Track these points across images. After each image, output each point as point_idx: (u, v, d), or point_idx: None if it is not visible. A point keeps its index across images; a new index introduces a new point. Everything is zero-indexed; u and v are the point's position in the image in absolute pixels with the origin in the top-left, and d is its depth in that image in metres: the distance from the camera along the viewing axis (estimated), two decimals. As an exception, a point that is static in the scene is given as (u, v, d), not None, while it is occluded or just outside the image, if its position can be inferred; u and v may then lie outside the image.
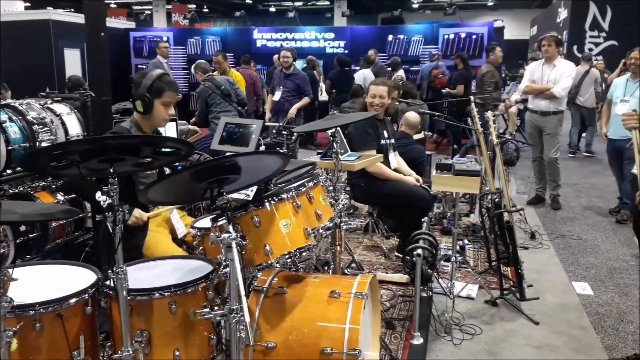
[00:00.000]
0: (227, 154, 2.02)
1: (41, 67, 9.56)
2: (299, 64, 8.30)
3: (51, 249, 3.16)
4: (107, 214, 1.57)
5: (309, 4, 22.80)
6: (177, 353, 1.85)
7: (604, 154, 7.66)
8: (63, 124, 3.45)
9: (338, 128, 2.74)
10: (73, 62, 10.08)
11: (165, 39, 11.93)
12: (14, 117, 3.15)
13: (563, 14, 13.32)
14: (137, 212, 2.35)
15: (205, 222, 2.43)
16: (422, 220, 3.46)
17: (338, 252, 2.62)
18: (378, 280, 3.38)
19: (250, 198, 2.21)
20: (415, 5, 22.54)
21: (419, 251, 2.72)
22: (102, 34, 3.60)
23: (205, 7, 23.36)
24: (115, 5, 21.44)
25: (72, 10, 15.45)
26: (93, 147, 1.57)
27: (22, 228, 2.98)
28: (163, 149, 1.70)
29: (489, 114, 3.55)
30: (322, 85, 9.28)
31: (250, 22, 15.61)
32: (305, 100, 6.54)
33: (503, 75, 12.32)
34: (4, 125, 3.05)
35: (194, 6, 21.62)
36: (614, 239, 4.56)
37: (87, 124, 3.72)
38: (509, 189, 4.15)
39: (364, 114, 3.44)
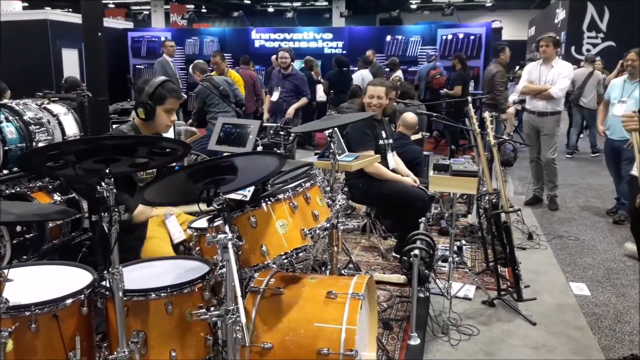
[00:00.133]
0: (225, 154, 2.01)
1: (39, 67, 9.55)
2: (297, 65, 8.30)
3: (48, 250, 3.15)
4: (102, 214, 1.57)
5: (307, 5, 22.80)
6: (173, 354, 1.85)
7: (601, 154, 7.69)
8: (60, 124, 3.44)
9: (335, 128, 2.74)
10: (71, 62, 10.08)
11: (163, 39, 11.93)
12: (10, 117, 3.14)
13: (561, 14, 13.34)
14: (140, 207, 2.34)
15: (202, 222, 2.43)
16: (420, 220, 3.46)
17: (335, 252, 2.62)
18: (375, 280, 3.38)
19: (247, 198, 2.21)
20: (414, 6, 22.57)
21: (416, 252, 2.72)
22: (100, 34, 3.59)
23: (203, 7, 23.37)
24: (113, 6, 21.42)
25: (70, 10, 15.43)
26: (89, 148, 1.57)
27: (19, 228, 2.97)
28: (159, 150, 1.70)
29: (487, 114, 3.55)
30: (321, 80, 9.28)
31: (248, 22, 15.60)
32: (303, 100, 6.53)
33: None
34: (0, 125, 3.04)
35: (192, 6, 21.62)
36: (611, 240, 4.56)
37: (84, 125, 3.71)
38: (507, 189, 4.16)
39: (361, 115, 3.45)
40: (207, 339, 1.93)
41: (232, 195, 2.22)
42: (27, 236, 3.00)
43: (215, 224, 1.98)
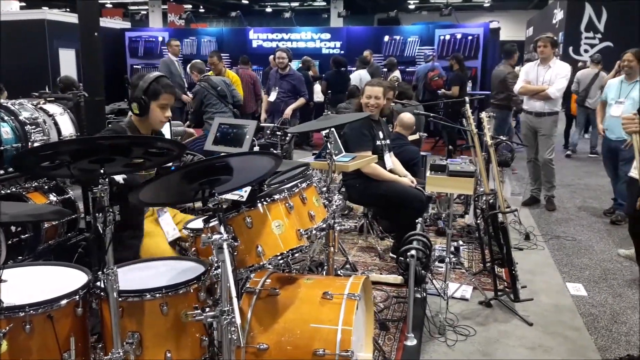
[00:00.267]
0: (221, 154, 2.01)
1: (36, 67, 9.54)
2: (295, 65, 8.30)
3: (43, 250, 3.14)
4: (97, 214, 1.56)
5: (305, 5, 22.80)
6: (168, 355, 1.84)
7: (598, 155, 7.70)
8: (56, 124, 3.44)
9: (332, 129, 2.73)
10: (68, 62, 10.06)
11: (160, 39, 11.92)
12: (6, 117, 3.13)
13: (559, 15, 13.36)
14: None
15: (198, 223, 2.42)
16: (417, 221, 3.46)
17: (332, 253, 2.62)
18: (372, 281, 3.38)
19: (244, 199, 2.21)
20: (412, 6, 22.58)
21: (413, 252, 2.72)
22: (96, 34, 3.58)
23: (201, 7, 23.34)
24: (110, 5, 21.39)
25: (68, 10, 15.40)
26: (83, 148, 1.56)
27: (14, 229, 2.96)
28: (154, 150, 1.69)
29: (484, 114, 3.55)
30: (317, 86, 9.27)
31: (246, 22, 15.59)
32: (301, 101, 6.53)
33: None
34: (-4, 125, 3.04)
35: (189, 6, 21.59)
36: (608, 240, 4.57)
37: (81, 125, 3.71)
38: (504, 190, 4.16)
39: (358, 115, 3.44)
40: (203, 340, 1.93)
41: (229, 196, 2.21)
42: (22, 237, 2.99)
43: (211, 224, 1.97)
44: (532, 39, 12.50)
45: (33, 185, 3.25)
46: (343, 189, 4.02)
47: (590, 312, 3.25)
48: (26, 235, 2.99)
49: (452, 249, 3.87)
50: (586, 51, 11.96)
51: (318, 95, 9.28)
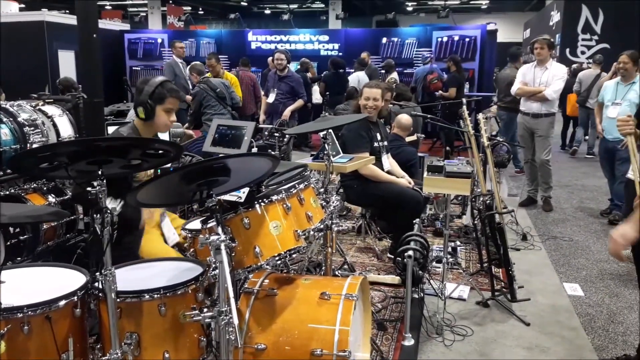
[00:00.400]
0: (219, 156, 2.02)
1: (35, 69, 9.53)
2: (293, 66, 8.31)
3: (42, 251, 3.14)
4: (95, 215, 1.57)
5: (303, 7, 22.81)
6: (166, 355, 1.85)
7: (595, 156, 7.71)
8: (55, 125, 3.44)
9: (330, 130, 2.75)
10: (67, 64, 10.06)
11: (160, 40, 11.94)
12: (4, 119, 3.13)
13: (556, 17, 13.39)
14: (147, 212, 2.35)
15: (196, 224, 2.44)
16: (414, 221, 3.47)
17: (329, 253, 2.63)
18: (370, 281, 3.39)
19: (242, 200, 2.22)
20: (409, 8, 22.61)
21: (410, 252, 2.73)
22: (95, 35, 3.59)
23: (200, 9, 23.36)
24: (110, 7, 21.40)
25: (67, 11, 15.41)
26: (81, 149, 1.57)
27: (13, 230, 2.96)
28: (151, 151, 1.70)
29: (480, 116, 3.57)
30: (316, 88, 9.28)
31: (245, 24, 15.61)
32: (300, 102, 6.54)
33: (495, 77, 12.34)
34: (-6, 127, 3.04)
35: (188, 8, 21.61)
36: (604, 240, 4.58)
37: (79, 126, 3.71)
38: (501, 190, 4.17)
39: (355, 116, 3.46)
40: (201, 340, 1.94)
41: (227, 197, 2.23)
42: (21, 238, 2.99)
43: (209, 225, 1.98)
44: (529, 41, 12.52)
45: (32, 186, 3.26)
46: (341, 190, 4.03)
47: (587, 312, 3.27)
48: (25, 236, 3.00)
49: (450, 249, 3.89)
50: (583, 53, 12.00)
51: (317, 97, 9.30)
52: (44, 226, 3.11)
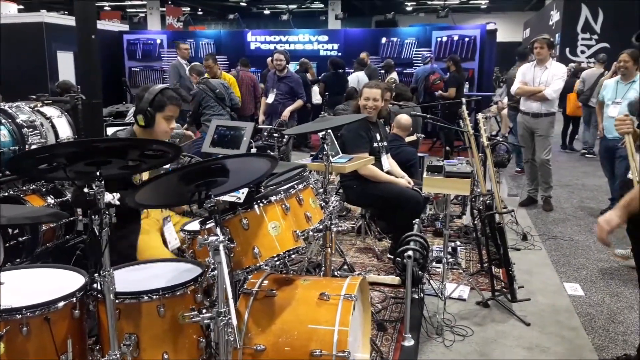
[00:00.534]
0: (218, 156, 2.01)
1: (34, 70, 9.53)
2: (292, 67, 8.31)
3: (42, 253, 3.15)
4: (93, 217, 1.57)
5: (303, 7, 22.83)
6: (165, 356, 1.84)
7: (594, 156, 7.70)
8: (53, 127, 3.44)
9: (329, 130, 2.74)
10: (66, 65, 10.06)
11: (159, 41, 11.93)
12: (3, 120, 3.13)
13: (555, 16, 13.40)
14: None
15: (194, 225, 2.43)
16: (414, 222, 3.47)
17: (329, 254, 2.63)
18: (370, 282, 3.39)
19: (241, 200, 2.21)
20: (409, 8, 22.62)
21: (410, 253, 2.73)
22: (93, 36, 3.59)
23: (199, 9, 23.36)
24: (109, 8, 21.39)
25: (66, 13, 15.41)
26: (79, 150, 1.57)
27: (12, 231, 2.96)
28: (150, 152, 1.70)
29: (480, 116, 3.57)
30: (316, 88, 9.28)
31: (244, 24, 15.61)
32: (299, 102, 6.54)
33: (494, 77, 12.36)
34: (-7, 128, 3.04)
35: (187, 9, 21.61)
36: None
37: (78, 127, 3.71)
38: (501, 190, 4.17)
39: (354, 116, 3.45)
40: (200, 341, 1.93)
41: (226, 198, 2.22)
42: (20, 239, 2.99)
43: (207, 226, 1.98)
44: (528, 41, 12.54)
45: (31, 187, 3.26)
46: (341, 191, 4.03)
47: (587, 312, 3.26)
48: (24, 237, 3.00)
49: (450, 249, 3.88)
50: (583, 52, 12.01)
51: (316, 97, 9.29)
52: (43, 227, 3.11)
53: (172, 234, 2.62)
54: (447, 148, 6.35)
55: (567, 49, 12.26)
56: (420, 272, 2.88)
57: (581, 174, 7.40)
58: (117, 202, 1.62)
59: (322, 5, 21.80)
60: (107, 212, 1.59)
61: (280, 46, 10.96)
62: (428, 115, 5.44)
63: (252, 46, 11.41)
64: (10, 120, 3.17)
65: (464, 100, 4.01)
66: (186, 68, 7.73)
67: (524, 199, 5.64)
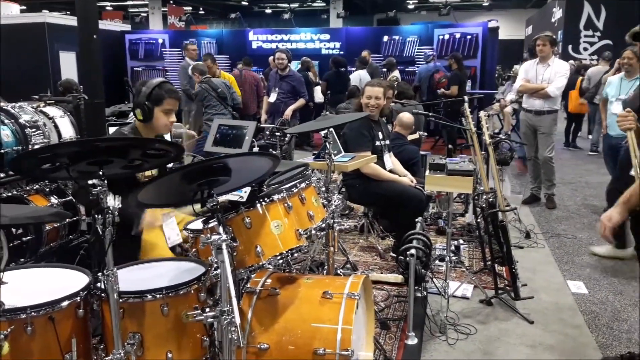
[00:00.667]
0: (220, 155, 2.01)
1: (36, 70, 9.55)
2: (294, 66, 8.30)
3: (45, 252, 3.16)
4: (96, 216, 1.57)
5: (304, 6, 22.81)
6: (169, 355, 1.85)
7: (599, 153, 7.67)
8: (56, 127, 3.45)
9: (331, 129, 2.74)
10: (68, 65, 10.07)
11: (160, 41, 11.94)
12: (6, 121, 3.14)
13: (558, 13, 13.36)
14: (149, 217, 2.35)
15: (198, 224, 2.43)
16: (417, 220, 3.46)
17: (332, 252, 2.63)
18: (373, 280, 3.39)
19: (244, 199, 2.21)
20: (411, 6, 22.59)
21: (413, 251, 2.72)
22: (95, 36, 3.59)
23: (201, 9, 23.37)
24: (111, 8, 21.43)
25: (68, 13, 15.43)
26: (81, 150, 1.57)
27: (16, 231, 2.97)
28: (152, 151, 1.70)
29: (482, 113, 3.56)
30: (318, 85, 9.28)
31: (245, 23, 15.61)
32: (301, 101, 6.54)
33: (497, 74, 12.33)
34: (-4, 128, 3.05)
35: (189, 8, 21.62)
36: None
37: (81, 127, 3.72)
38: (503, 188, 4.16)
39: (356, 115, 3.45)
40: (204, 340, 1.93)
41: (229, 196, 2.22)
42: (24, 239, 3.00)
43: (210, 225, 1.98)
44: (531, 38, 12.50)
45: (34, 187, 3.27)
46: (343, 189, 4.03)
47: (591, 310, 3.26)
48: (28, 237, 3.01)
49: (453, 247, 3.88)
50: (585, 49, 11.97)
51: (318, 96, 9.28)
52: (47, 227, 3.12)
53: (174, 230, 2.63)
54: (450, 146, 6.34)
55: (570, 46, 12.22)
56: (423, 271, 2.87)
57: (584, 172, 7.37)
58: (118, 206, 1.63)
59: (323, 4, 21.78)
60: (110, 212, 1.60)
61: (282, 45, 10.95)
62: (430, 114, 5.42)
63: (254, 45, 11.41)
64: (13, 121, 3.18)
65: (466, 98, 4.00)
66: None
67: (527, 197, 5.63)
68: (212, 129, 3.19)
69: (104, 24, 12.23)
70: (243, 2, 21.69)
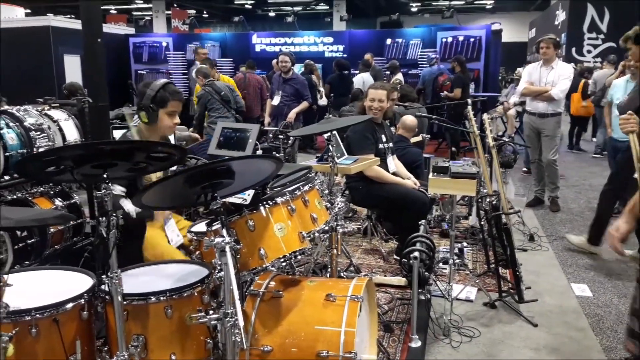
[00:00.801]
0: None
1: (41, 74, 9.61)
2: (298, 69, 8.32)
3: (50, 255, 3.16)
4: (101, 218, 1.58)
5: (307, 9, 22.85)
6: (173, 357, 1.85)
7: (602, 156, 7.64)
8: (60, 130, 3.46)
9: (334, 132, 2.75)
10: (73, 69, 10.13)
11: (164, 44, 11.99)
12: (11, 124, 3.15)
13: (561, 16, 13.34)
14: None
15: (201, 226, 2.44)
16: (420, 223, 3.46)
17: (335, 255, 2.63)
18: (376, 283, 3.39)
19: (247, 202, 2.22)
20: (414, 9, 22.60)
21: (416, 254, 2.72)
22: (99, 40, 3.61)
23: (204, 12, 23.46)
24: (114, 11, 21.53)
25: (72, 16, 15.51)
26: (85, 153, 1.58)
27: (21, 234, 2.98)
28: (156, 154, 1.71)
29: (486, 116, 3.56)
30: (322, 90, 9.28)
31: (249, 27, 15.64)
32: (304, 104, 6.55)
33: (500, 77, 12.30)
34: (1, 131, 3.06)
35: (193, 12, 21.70)
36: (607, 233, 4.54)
37: (85, 130, 3.73)
38: (507, 191, 4.16)
39: (360, 118, 3.46)
40: (207, 343, 1.94)
41: (233, 199, 2.23)
42: (29, 241, 3.01)
43: (214, 227, 1.98)
44: (534, 41, 12.48)
45: (39, 190, 3.28)
46: (346, 192, 4.03)
47: (595, 313, 3.25)
48: (33, 240, 3.02)
49: (456, 250, 3.87)
50: (589, 52, 11.95)
51: (323, 99, 9.29)
52: (51, 230, 3.13)
53: (174, 231, 2.64)
54: (453, 149, 6.33)
55: (574, 49, 12.20)
56: (426, 273, 2.87)
57: (588, 174, 7.35)
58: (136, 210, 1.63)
59: (326, 7, 21.82)
60: (114, 214, 1.60)
61: (286, 48, 10.98)
62: (434, 116, 5.42)
63: (257, 48, 11.44)
64: (18, 124, 3.19)
65: (469, 100, 4.00)
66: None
67: (531, 200, 5.62)
68: (216, 131, 3.20)
69: (108, 28, 12.28)
70: (246, 6, 21.76)
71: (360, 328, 2.12)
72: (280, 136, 4.55)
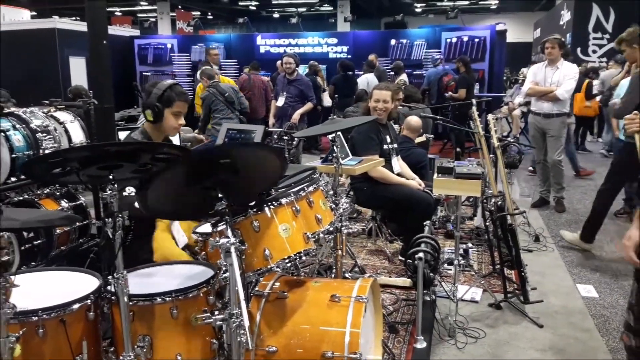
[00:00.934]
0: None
1: (47, 76, 9.67)
2: (302, 70, 8.33)
3: (56, 256, 3.19)
4: (106, 219, 1.59)
5: (312, 10, 22.88)
6: (178, 358, 1.85)
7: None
8: (66, 131, 3.49)
9: (339, 132, 2.75)
10: (78, 71, 10.19)
11: (169, 46, 12.04)
12: (17, 125, 3.18)
13: (566, 16, 13.29)
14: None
15: (206, 227, 2.45)
16: (425, 223, 3.46)
17: (339, 256, 2.63)
18: (381, 284, 3.39)
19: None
20: (418, 10, 22.58)
21: (421, 255, 2.72)
22: (105, 42, 3.63)
23: (209, 14, 23.52)
24: (120, 13, 21.62)
25: (78, 18, 15.60)
26: (91, 154, 1.59)
27: (27, 235, 3.00)
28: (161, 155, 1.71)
29: (490, 116, 3.56)
30: (326, 90, 9.29)
31: (253, 28, 15.68)
32: (309, 105, 6.56)
33: (505, 77, 12.27)
34: (7, 133, 3.09)
35: (197, 13, 21.76)
36: (618, 241, 4.53)
37: (90, 132, 3.76)
38: (512, 191, 4.15)
39: (364, 118, 3.46)
40: (213, 343, 1.94)
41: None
42: (35, 242, 3.04)
43: (219, 228, 1.99)
44: (539, 41, 12.44)
45: (45, 192, 3.31)
46: (351, 193, 4.03)
47: (601, 314, 3.23)
48: (39, 241, 3.05)
49: (461, 251, 3.86)
50: (594, 52, 11.89)
51: (326, 100, 9.30)
52: (58, 231, 3.15)
53: (180, 232, 2.65)
54: (458, 149, 6.33)
55: (579, 49, 12.15)
56: (431, 274, 2.87)
57: (594, 175, 7.32)
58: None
59: (331, 8, 21.83)
60: (120, 215, 1.61)
61: (290, 49, 11.00)
62: (438, 117, 5.42)
63: (262, 49, 11.47)
64: (24, 126, 3.22)
65: (474, 101, 3.99)
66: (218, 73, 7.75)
67: (536, 200, 5.60)
68: (221, 133, 3.21)
69: (113, 30, 12.34)
70: (251, 7, 21.81)
71: (365, 329, 2.12)
72: (285, 137, 4.56)
